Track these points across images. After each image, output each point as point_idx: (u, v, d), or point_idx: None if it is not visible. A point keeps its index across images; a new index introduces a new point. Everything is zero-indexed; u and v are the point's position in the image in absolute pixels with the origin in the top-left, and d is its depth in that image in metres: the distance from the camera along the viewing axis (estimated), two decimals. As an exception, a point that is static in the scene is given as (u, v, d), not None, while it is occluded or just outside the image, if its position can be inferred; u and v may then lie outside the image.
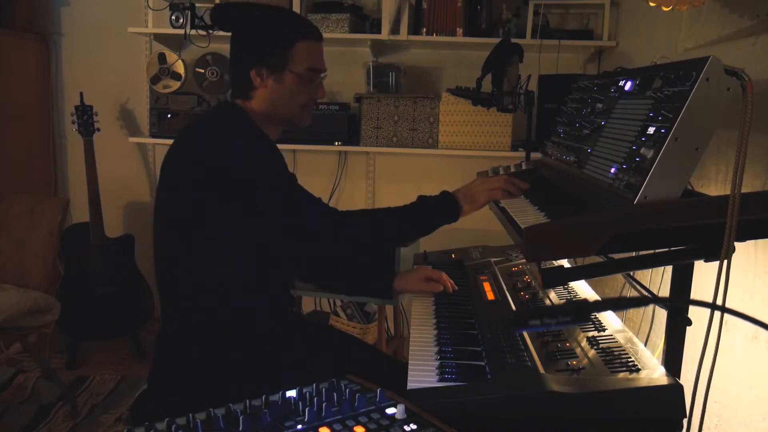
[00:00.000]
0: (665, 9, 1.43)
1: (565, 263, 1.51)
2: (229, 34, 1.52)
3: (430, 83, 3.24)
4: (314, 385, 1.01)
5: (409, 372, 1.16)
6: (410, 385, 1.10)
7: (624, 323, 1.37)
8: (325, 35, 1.65)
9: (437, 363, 1.19)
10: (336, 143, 3.03)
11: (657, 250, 1.07)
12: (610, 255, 1.20)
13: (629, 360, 1.16)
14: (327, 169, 3.30)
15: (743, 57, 1.43)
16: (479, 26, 2.96)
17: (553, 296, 1.55)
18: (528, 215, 1.26)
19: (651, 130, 1.06)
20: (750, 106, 0.95)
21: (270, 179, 1.39)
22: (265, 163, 1.39)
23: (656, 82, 1.14)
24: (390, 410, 0.94)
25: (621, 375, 1.11)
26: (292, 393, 0.98)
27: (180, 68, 3.12)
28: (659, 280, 1.56)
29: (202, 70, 3.12)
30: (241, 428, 0.87)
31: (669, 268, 1.25)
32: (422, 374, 1.15)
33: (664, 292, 1.40)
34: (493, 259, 1.85)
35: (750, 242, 1.34)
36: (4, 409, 2.47)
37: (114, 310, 2.99)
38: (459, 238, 2.45)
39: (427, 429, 0.90)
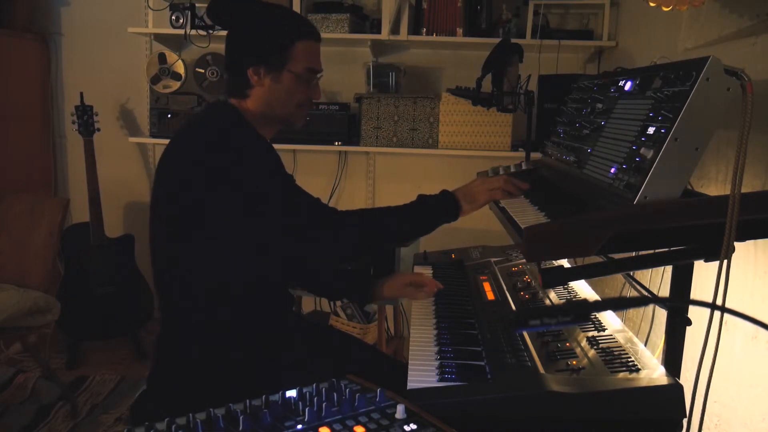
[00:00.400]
0: (665, 9, 1.43)
1: (565, 263, 1.51)
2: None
3: (430, 83, 3.24)
4: (314, 385, 1.01)
5: (409, 372, 1.16)
6: (410, 385, 1.10)
7: (624, 323, 1.37)
8: (325, 35, 1.65)
9: (437, 363, 1.19)
10: (336, 143, 3.02)
11: (657, 250, 1.07)
12: (610, 255, 1.20)
13: (629, 360, 1.16)
14: (327, 169, 3.30)
15: (743, 57, 1.43)
16: (479, 26, 2.96)
17: (553, 296, 1.55)
18: (528, 215, 1.26)
19: (651, 130, 1.06)
20: (750, 106, 0.95)
21: (269, 179, 1.39)
22: (264, 163, 1.39)
23: (656, 82, 1.14)
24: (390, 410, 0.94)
25: (621, 375, 1.11)
26: (292, 393, 0.98)
27: (180, 68, 3.12)
28: (659, 280, 1.56)
29: (202, 70, 3.12)
30: (241, 428, 0.87)
31: (669, 268, 1.25)
32: (422, 374, 1.15)
33: (664, 292, 1.40)
34: (493, 259, 1.85)
35: (750, 242, 1.34)
36: (4, 409, 2.47)
37: (114, 310, 2.99)
38: (459, 238, 2.45)
39: (427, 429, 0.90)
